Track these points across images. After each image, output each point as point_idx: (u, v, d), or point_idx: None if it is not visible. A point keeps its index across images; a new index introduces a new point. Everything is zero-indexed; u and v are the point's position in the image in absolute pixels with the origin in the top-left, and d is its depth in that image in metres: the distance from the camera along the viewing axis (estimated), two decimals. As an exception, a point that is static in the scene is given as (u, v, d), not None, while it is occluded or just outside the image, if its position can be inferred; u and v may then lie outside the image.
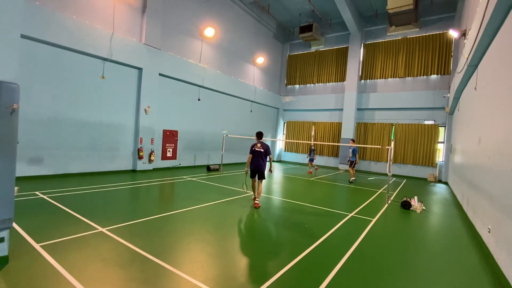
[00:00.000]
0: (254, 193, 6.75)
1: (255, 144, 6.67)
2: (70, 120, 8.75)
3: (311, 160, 14.61)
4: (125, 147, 10.45)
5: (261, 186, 6.58)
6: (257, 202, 6.45)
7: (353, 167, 11.94)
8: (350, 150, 11.99)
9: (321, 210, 6.62)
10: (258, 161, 6.55)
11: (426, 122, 14.76)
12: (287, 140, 16.52)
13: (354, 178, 11.84)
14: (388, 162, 9.23)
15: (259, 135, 6.80)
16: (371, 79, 16.63)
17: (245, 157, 17.08)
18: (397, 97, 15.55)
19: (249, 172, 6.66)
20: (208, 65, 13.84)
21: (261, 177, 6.62)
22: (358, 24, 15.96)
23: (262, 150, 6.62)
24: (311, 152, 14.69)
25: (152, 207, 6.08)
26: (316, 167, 15.54)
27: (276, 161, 19.87)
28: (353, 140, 12.85)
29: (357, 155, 11.93)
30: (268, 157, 6.69)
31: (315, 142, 12.83)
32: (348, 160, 12.21)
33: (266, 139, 16.70)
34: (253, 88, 17.03)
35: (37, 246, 3.64)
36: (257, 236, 4.75)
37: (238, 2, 15.35)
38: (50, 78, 8.23)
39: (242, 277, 3.23)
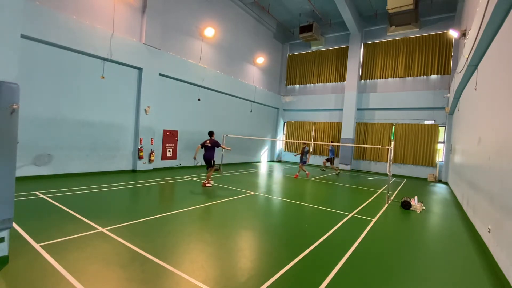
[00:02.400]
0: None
1: (206, 141, 8.59)
2: (70, 120, 8.75)
3: (304, 163, 12.49)
4: (125, 147, 10.45)
5: (211, 172, 8.64)
6: (204, 182, 8.35)
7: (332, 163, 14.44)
8: (329, 150, 14.46)
9: (321, 210, 6.62)
10: (207, 153, 8.53)
11: (426, 122, 14.76)
12: (287, 140, 16.52)
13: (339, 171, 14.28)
14: (388, 162, 9.23)
15: (210, 133, 8.79)
16: (371, 79, 16.63)
17: (245, 157, 17.14)
18: (397, 97, 15.54)
19: (197, 159, 8.93)
20: (208, 65, 13.83)
21: (209, 165, 8.62)
22: (358, 24, 15.96)
23: (210, 145, 8.50)
24: (305, 153, 12.47)
25: (152, 207, 6.07)
26: (304, 171, 12.68)
27: (276, 161, 19.87)
28: (332, 141, 13.87)
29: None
30: (219, 147, 8.90)
31: (309, 142, 12.83)
32: (328, 159, 14.54)
33: (266, 139, 16.72)
34: (253, 88, 17.02)
35: (37, 246, 3.64)
36: (257, 236, 4.75)
37: (238, 2, 15.35)
38: (50, 78, 8.23)
39: (242, 277, 3.23)
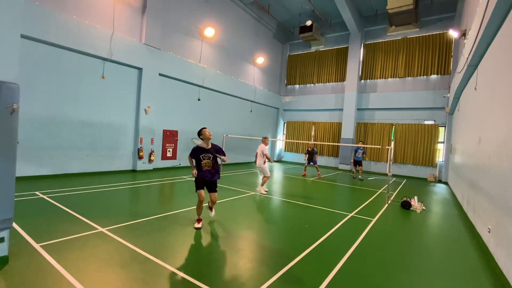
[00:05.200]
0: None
1: (200, 147, 5.30)
2: (70, 120, 8.75)
3: (315, 162, 13.09)
4: (125, 147, 10.45)
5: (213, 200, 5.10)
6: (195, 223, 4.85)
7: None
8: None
9: (321, 210, 6.62)
10: (210, 169, 5.06)
11: (426, 122, 14.76)
12: (287, 140, 16.51)
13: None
14: (388, 162, 9.23)
15: (199, 133, 5.48)
16: (371, 79, 16.62)
17: (245, 157, 17.11)
18: (397, 97, 15.54)
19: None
20: (208, 65, 13.83)
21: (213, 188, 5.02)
22: (358, 24, 15.95)
23: (212, 155, 5.10)
24: (314, 154, 13.03)
25: (152, 207, 6.07)
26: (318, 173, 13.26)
27: (276, 161, 19.85)
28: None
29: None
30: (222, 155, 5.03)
31: (315, 142, 12.85)
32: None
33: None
34: (253, 88, 17.02)
35: (37, 246, 3.64)
36: (257, 236, 4.74)
37: (238, 2, 15.35)
38: (50, 78, 8.23)
39: (242, 277, 3.23)
